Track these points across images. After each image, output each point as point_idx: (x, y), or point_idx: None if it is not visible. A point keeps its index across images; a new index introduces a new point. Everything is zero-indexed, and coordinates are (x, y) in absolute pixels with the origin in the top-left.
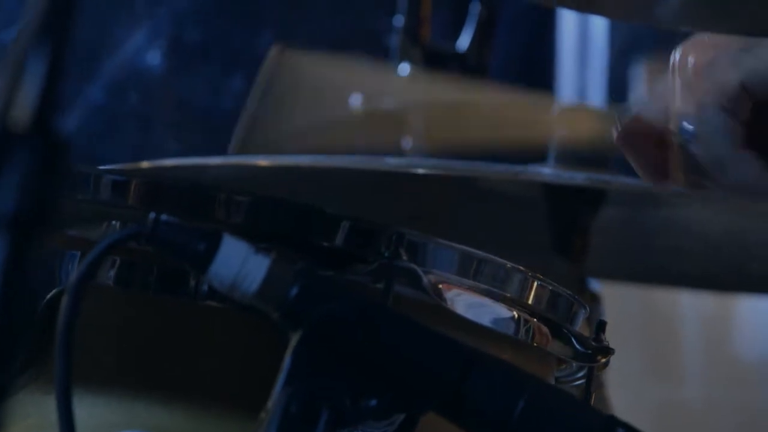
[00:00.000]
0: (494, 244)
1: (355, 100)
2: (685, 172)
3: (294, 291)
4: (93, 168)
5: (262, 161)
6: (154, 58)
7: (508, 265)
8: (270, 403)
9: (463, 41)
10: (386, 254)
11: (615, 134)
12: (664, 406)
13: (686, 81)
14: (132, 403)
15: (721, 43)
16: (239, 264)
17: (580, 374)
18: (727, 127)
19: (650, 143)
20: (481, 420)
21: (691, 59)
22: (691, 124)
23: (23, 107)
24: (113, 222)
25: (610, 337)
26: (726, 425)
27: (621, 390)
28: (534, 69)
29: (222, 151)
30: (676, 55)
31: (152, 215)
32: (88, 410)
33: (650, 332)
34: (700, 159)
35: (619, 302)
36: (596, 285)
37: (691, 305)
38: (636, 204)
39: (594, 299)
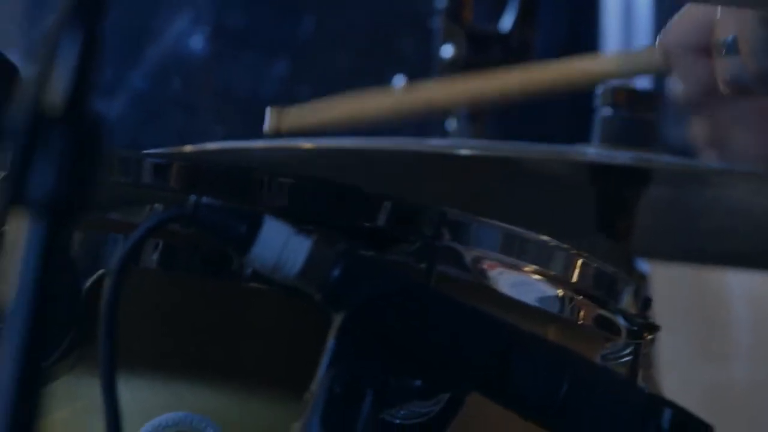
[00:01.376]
0: (539, 225)
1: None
2: (726, 83)
3: (336, 272)
4: (135, 152)
5: (306, 144)
6: (197, 43)
7: (552, 243)
8: (314, 385)
9: (506, 22)
10: (428, 234)
11: (657, 43)
12: (713, 386)
13: None
14: (177, 386)
15: None
16: (281, 246)
17: (627, 351)
18: None
19: (691, 53)
20: (525, 400)
21: None
22: (732, 35)
23: (57, 91)
24: (155, 205)
25: (659, 318)
26: None
27: (670, 371)
28: (578, 48)
29: (266, 134)
30: None
31: (193, 198)
32: (132, 393)
33: (699, 313)
34: (741, 70)
35: (668, 283)
36: (644, 266)
37: (739, 285)
38: (682, 183)
39: (642, 280)
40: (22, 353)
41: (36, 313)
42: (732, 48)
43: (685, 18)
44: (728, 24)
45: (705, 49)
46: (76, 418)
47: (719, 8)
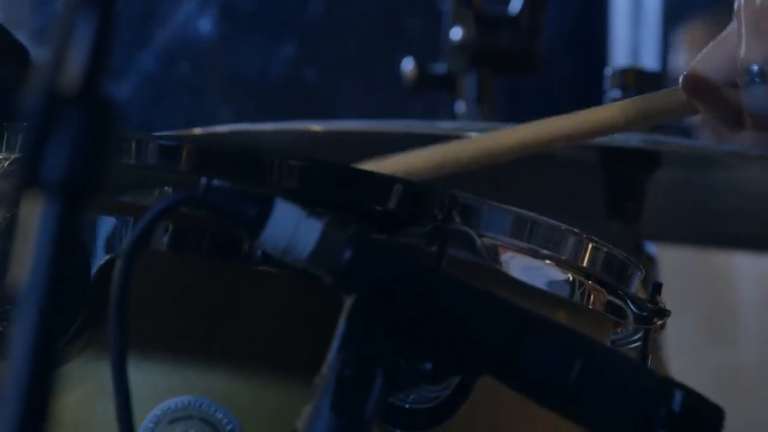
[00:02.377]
0: (549, 207)
1: (407, 64)
2: (751, 114)
3: (347, 255)
4: (145, 134)
5: (315, 126)
6: (205, 26)
7: (563, 227)
8: (324, 368)
9: (515, 4)
10: (439, 217)
11: (681, 82)
12: (722, 369)
13: (752, 23)
14: (186, 369)
15: None
16: (292, 228)
17: (637, 336)
18: None
19: (717, 89)
20: (536, 383)
21: (757, 1)
22: (757, 65)
23: (72, 73)
24: (166, 188)
25: (668, 300)
26: None
27: (678, 354)
28: (587, 31)
29: (273, 117)
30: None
31: (203, 180)
32: (143, 376)
33: (707, 296)
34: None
35: (676, 265)
36: (653, 249)
37: (747, 267)
38: (693, 165)
39: (650, 262)
40: (36, 335)
41: (49, 296)
42: (759, 76)
43: (710, 54)
44: (755, 53)
45: (730, 84)
46: (86, 400)
47: (744, 39)
